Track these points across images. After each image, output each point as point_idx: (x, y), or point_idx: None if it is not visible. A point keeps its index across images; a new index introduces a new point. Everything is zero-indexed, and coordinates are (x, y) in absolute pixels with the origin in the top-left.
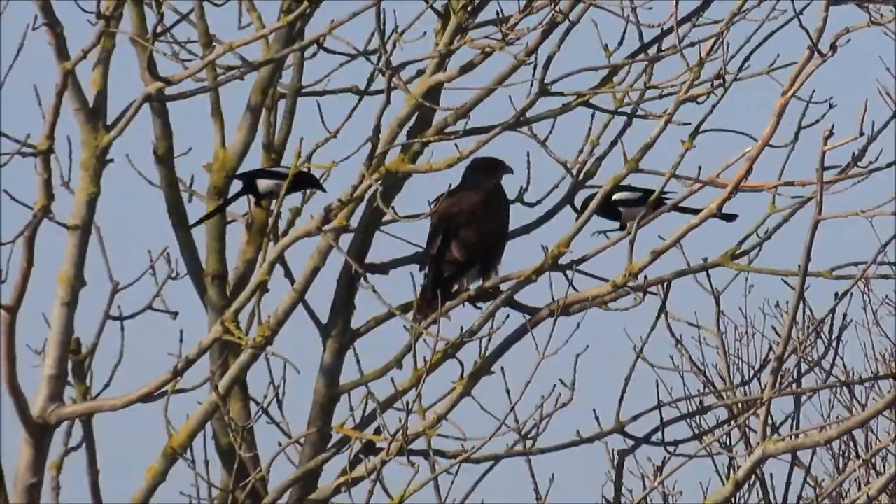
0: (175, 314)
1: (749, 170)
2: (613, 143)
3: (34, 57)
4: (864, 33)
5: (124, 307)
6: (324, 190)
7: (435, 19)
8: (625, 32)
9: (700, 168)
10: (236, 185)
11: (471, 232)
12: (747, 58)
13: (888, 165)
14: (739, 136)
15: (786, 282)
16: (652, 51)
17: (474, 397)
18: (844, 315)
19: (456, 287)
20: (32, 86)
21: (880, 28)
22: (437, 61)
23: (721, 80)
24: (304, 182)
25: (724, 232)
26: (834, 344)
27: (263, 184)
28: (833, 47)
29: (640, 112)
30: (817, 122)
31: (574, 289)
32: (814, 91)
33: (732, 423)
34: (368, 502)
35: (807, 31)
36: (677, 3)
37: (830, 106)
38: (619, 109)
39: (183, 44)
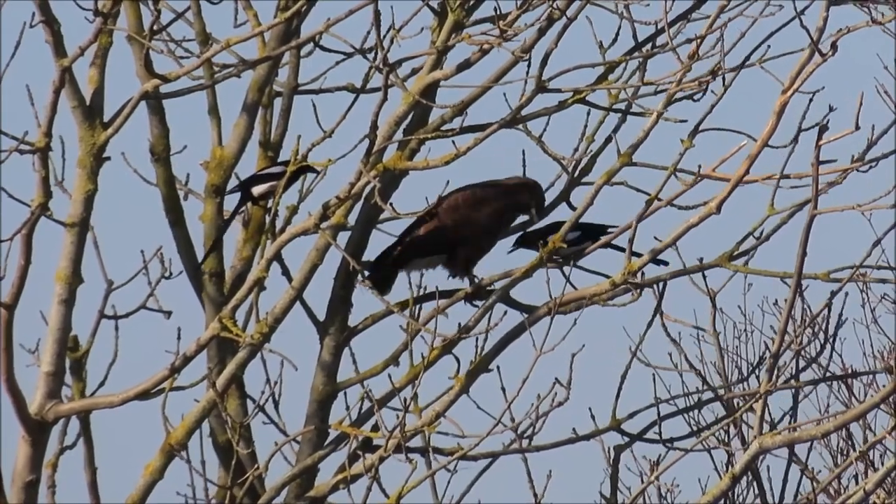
0: (168, 313)
1: (748, 169)
2: (608, 140)
3: (32, 54)
4: (863, 32)
5: (119, 306)
6: (317, 171)
7: (431, 17)
8: (619, 29)
9: (700, 167)
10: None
11: (446, 216)
12: (747, 57)
13: (885, 156)
14: (736, 135)
15: (784, 282)
16: (647, 48)
17: (470, 396)
18: (840, 314)
19: (405, 269)
20: (27, 84)
21: (879, 27)
22: (434, 59)
23: (715, 76)
24: (300, 171)
25: (722, 232)
26: (830, 339)
27: (258, 189)
28: (833, 47)
29: (635, 108)
30: (816, 125)
31: (573, 286)
32: (814, 94)
33: (730, 418)
34: (366, 500)
35: (807, 31)
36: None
37: (831, 109)
38: (614, 106)
39: (179, 42)
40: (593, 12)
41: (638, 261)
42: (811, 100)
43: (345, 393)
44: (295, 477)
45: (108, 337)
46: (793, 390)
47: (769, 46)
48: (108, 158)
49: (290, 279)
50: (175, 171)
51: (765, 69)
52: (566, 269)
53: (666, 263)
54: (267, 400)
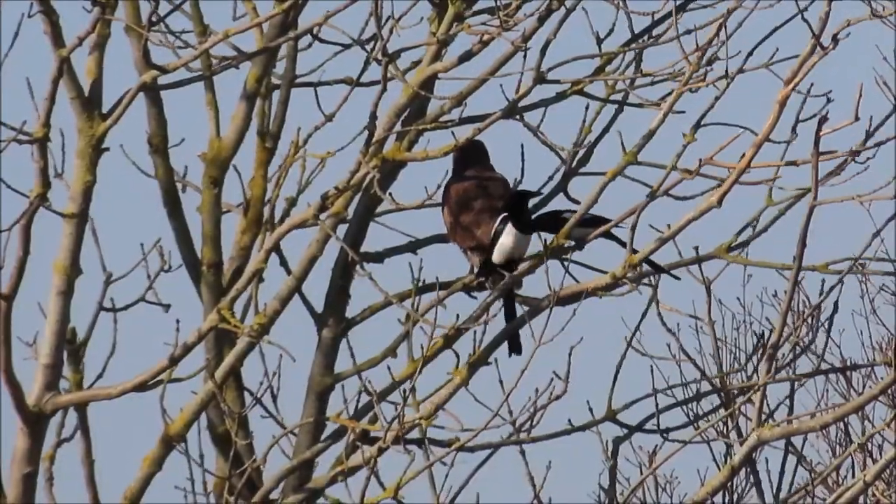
0: (167, 306)
1: (750, 161)
2: (605, 131)
3: (30, 45)
4: (864, 25)
5: (117, 299)
6: None
7: (430, 8)
8: (615, 21)
9: (700, 160)
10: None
11: None
12: (750, 53)
13: (876, 145)
14: (736, 128)
15: (782, 274)
16: (644, 38)
17: (468, 389)
18: (836, 302)
19: None
20: (26, 76)
21: (880, 19)
22: (434, 50)
23: (713, 67)
24: None
25: (720, 223)
26: (827, 329)
27: None
28: (835, 40)
29: (632, 100)
30: (815, 115)
31: (574, 279)
32: (812, 85)
33: (726, 409)
34: (364, 492)
35: (809, 25)
36: None
37: (828, 100)
38: (611, 97)
39: (178, 34)
40: (590, 3)
41: (639, 254)
42: (808, 91)
43: (343, 385)
44: (293, 469)
45: (106, 329)
46: (791, 382)
47: (777, 49)
48: (107, 149)
49: (288, 270)
50: (173, 162)
51: (770, 70)
52: (565, 262)
53: (662, 270)
54: (265, 392)
